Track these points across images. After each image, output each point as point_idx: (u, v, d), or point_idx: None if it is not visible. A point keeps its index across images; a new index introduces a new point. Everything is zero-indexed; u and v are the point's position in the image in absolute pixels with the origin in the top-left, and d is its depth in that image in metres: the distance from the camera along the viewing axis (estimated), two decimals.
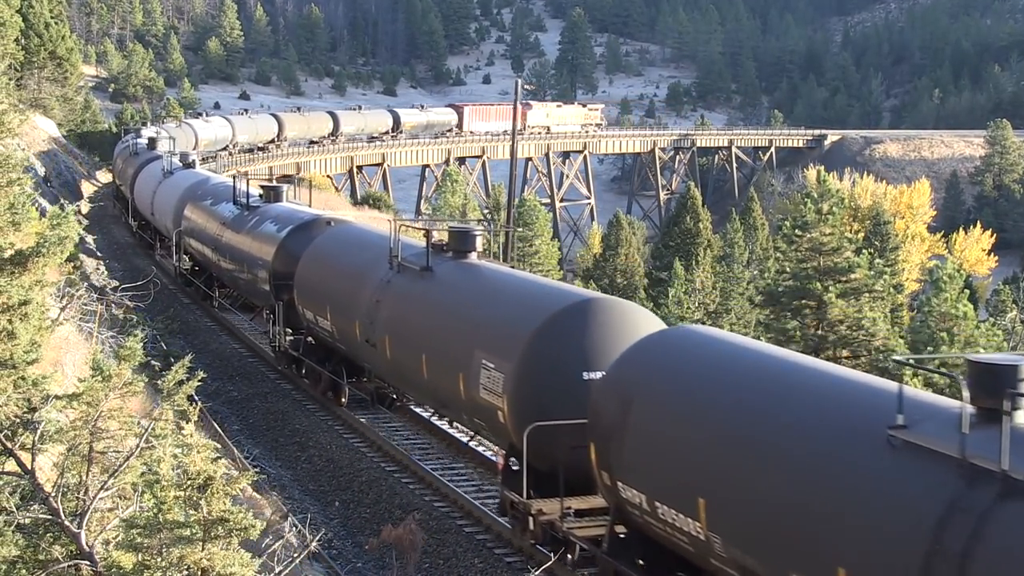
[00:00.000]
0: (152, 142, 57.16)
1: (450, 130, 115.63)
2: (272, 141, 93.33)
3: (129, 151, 57.32)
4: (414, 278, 20.42)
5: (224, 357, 31.07)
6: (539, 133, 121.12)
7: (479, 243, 20.70)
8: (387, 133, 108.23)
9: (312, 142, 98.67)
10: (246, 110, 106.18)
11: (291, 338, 26.96)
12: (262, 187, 33.41)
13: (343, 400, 24.73)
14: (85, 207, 59.75)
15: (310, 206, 32.33)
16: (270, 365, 29.83)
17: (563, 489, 15.11)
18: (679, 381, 13.17)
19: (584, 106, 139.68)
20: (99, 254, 44.90)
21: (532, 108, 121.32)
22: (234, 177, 35.26)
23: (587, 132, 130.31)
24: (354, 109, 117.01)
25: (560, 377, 15.70)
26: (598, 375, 15.26)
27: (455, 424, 21.25)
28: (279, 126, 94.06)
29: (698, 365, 13.14)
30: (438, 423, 23.01)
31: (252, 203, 31.74)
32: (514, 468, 16.20)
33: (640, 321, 16.03)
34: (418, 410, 24.09)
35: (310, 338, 26.13)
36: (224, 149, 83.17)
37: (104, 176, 77.89)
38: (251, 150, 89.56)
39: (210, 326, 35.22)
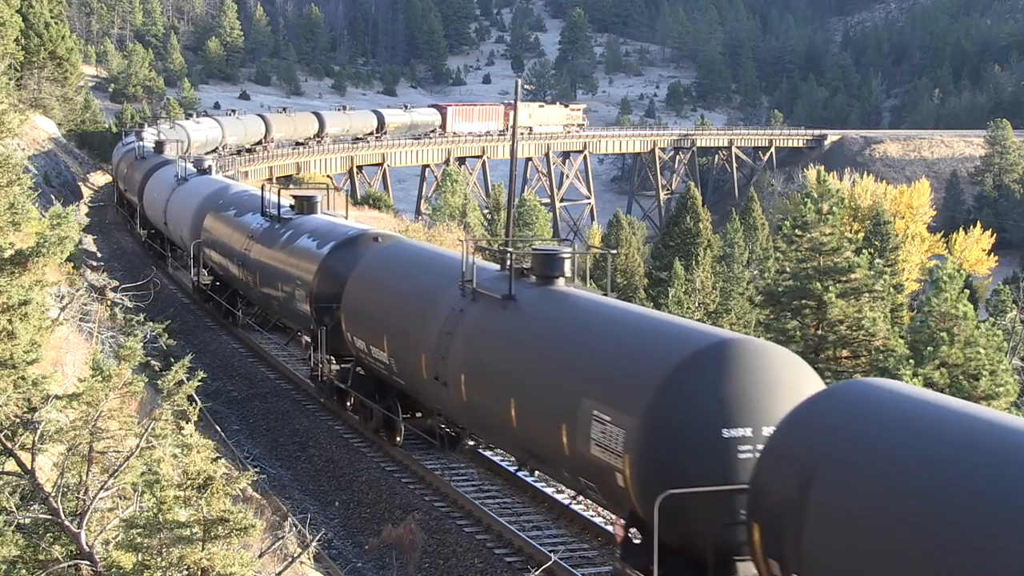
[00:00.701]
0: (160, 145, 55.31)
1: (433, 131, 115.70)
2: (259, 142, 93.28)
3: (135, 155, 55.01)
4: (493, 307, 17.77)
5: (224, 357, 31.07)
6: (522, 133, 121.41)
7: (568, 267, 17.90)
8: (371, 134, 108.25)
9: (298, 143, 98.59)
10: (233, 111, 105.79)
11: (337, 368, 23.90)
12: (294, 197, 30.86)
13: (398, 439, 22.06)
14: (83, 210, 59.36)
15: (346, 218, 29.63)
16: (270, 366, 29.87)
17: (712, 572, 12.96)
18: (889, 455, 10.50)
19: (566, 106, 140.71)
20: (101, 263, 44.53)
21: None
22: (262, 186, 33.04)
23: (568, 132, 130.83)
24: (339, 109, 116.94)
25: (697, 435, 13.20)
26: (741, 432, 13.22)
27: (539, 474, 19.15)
28: (266, 127, 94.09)
29: (913, 434, 10.55)
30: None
31: (283, 215, 29.09)
32: (634, 539, 13.86)
33: (786, 367, 13.67)
34: (494, 457, 21.34)
35: (359, 368, 23.28)
36: (214, 151, 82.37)
37: (99, 178, 77.34)
38: (239, 152, 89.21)
39: (210, 325, 35.19)
